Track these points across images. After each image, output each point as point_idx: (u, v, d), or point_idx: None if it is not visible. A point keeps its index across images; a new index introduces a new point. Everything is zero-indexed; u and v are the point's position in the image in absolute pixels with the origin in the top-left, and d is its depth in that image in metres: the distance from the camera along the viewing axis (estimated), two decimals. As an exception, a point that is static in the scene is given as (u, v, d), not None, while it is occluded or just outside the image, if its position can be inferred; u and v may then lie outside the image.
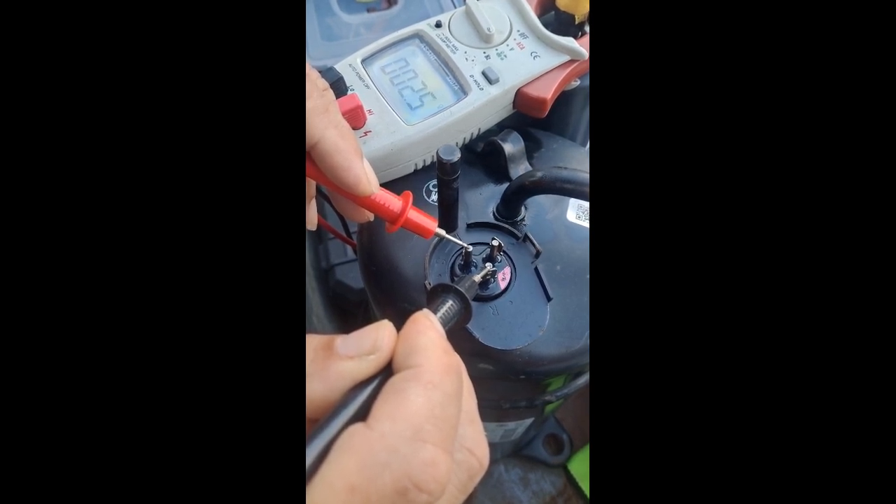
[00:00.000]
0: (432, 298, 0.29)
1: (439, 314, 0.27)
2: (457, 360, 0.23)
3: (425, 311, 0.25)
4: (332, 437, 0.20)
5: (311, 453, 0.19)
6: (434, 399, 0.21)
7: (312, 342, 0.22)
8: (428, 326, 0.23)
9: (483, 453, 0.23)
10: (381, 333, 0.23)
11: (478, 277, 0.33)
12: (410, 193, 0.33)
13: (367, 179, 0.31)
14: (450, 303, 0.28)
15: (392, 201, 0.32)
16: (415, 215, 0.33)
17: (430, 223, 0.33)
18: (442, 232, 0.34)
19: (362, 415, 0.21)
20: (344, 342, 0.22)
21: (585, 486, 0.81)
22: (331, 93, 0.31)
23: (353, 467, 0.19)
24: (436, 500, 0.20)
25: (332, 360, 0.22)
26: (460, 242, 0.35)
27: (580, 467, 0.82)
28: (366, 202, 0.32)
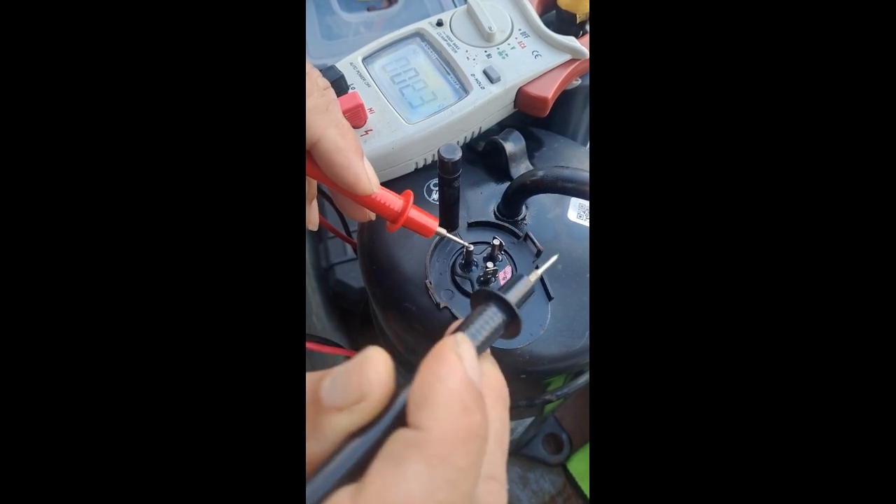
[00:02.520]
0: (473, 306, 0.23)
1: (479, 339, 0.22)
2: (479, 419, 0.18)
3: (458, 338, 0.20)
4: (322, 496, 0.17)
5: None
6: (438, 478, 0.17)
7: None
8: (451, 370, 0.19)
9: None
10: (366, 376, 0.19)
11: (533, 277, 0.25)
12: (411, 192, 0.33)
13: (367, 178, 0.31)
14: (492, 318, 0.22)
15: (393, 200, 0.32)
16: (416, 214, 0.33)
17: (431, 222, 0.33)
18: (443, 231, 0.34)
19: (361, 469, 0.18)
20: (330, 390, 0.19)
21: (585, 485, 0.81)
22: (331, 91, 0.31)
23: None
24: None
25: (322, 416, 0.18)
26: (461, 241, 0.35)
27: (579, 466, 0.82)
28: (366, 201, 0.32)
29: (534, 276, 0.25)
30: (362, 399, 0.18)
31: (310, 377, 0.19)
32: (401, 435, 0.18)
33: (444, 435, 0.18)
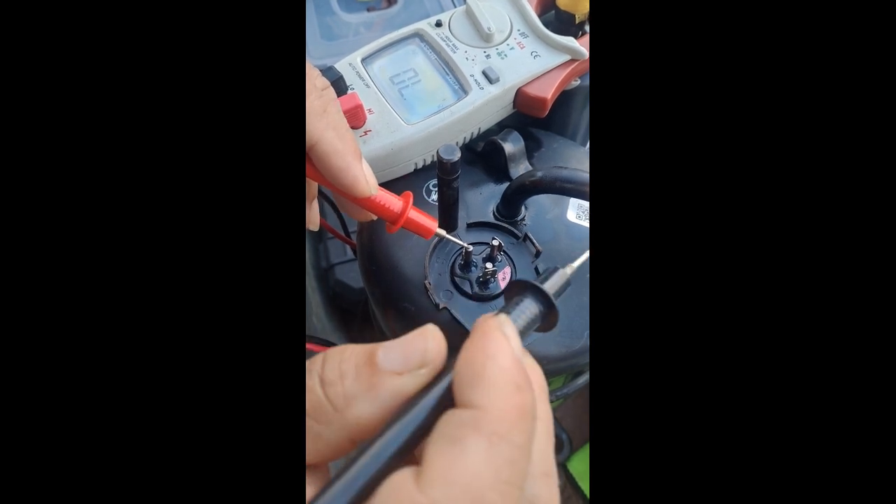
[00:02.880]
0: (510, 295, 0.23)
1: (519, 324, 0.21)
2: (530, 397, 0.19)
3: (502, 318, 0.21)
4: (374, 473, 0.17)
5: (347, 494, 0.17)
6: (499, 457, 0.17)
7: (351, 358, 0.20)
8: (500, 347, 0.19)
9: None
10: (429, 345, 0.20)
11: (569, 270, 0.24)
12: (411, 194, 0.33)
13: (365, 181, 0.31)
14: (528, 307, 0.22)
15: (392, 202, 0.32)
16: (415, 215, 0.33)
17: (431, 223, 0.33)
18: (442, 232, 0.34)
19: (412, 444, 0.18)
20: (387, 355, 0.19)
21: (585, 485, 0.81)
22: (331, 91, 0.31)
23: None
24: None
25: (379, 378, 0.19)
26: (460, 242, 0.35)
27: (580, 466, 0.82)
28: (365, 203, 0.32)
29: (569, 268, 0.24)
30: (423, 365, 0.19)
31: (360, 346, 0.20)
32: (454, 416, 0.18)
33: (502, 413, 0.17)
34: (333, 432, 0.19)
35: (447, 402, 0.19)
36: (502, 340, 0.19)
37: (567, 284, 0.23)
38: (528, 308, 0.22)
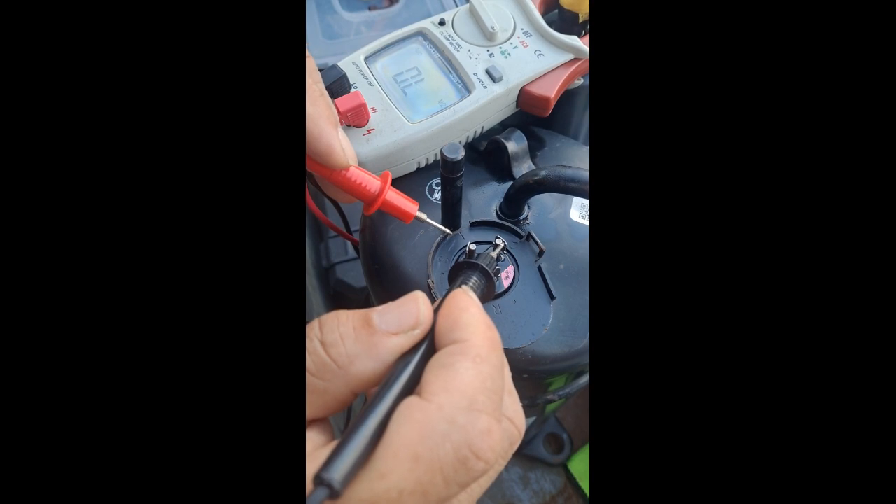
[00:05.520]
0: (455, 276, 0.29)
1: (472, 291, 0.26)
2: (497, 335, 0.23)
3: (464, 287, 0.26)
4: (389, 408, 0.20)
5: (371, 425, 0.20)
6: (483, 371, 0.21)
7: (348, 321, 0.22)
8: (470, 303, 0.24)
9: (521, 422, 0.24)
10: (420, 308, 0.23)
11: (494, 253, 0.31)
12: (389, 174, 0.32)
13: (341, 151, 0.29)
14: (474, 279, 0.28)
15: (369, 181, 0.31)
16: (394, 196, 0.32)
17: (411, 206, 0.32)
18: (422, 215, 0.33)
19: (412, 387, 0.21)
20: (383, 318, 0.22)
21: (585, 485, 0.81)
22: (309, 61, 0.30)
23: (415, 437, 0.19)
24: (490, 468, 0.20)
25: (377, 338, 0.22)
26: (440, 227, 0.35)
27: (580, 466, 0.82)
28: (340, 179, 0.31)
29: (494, 251, 0.31)
30: (417, 327, 0.23)
31: (353, 312, 0.23)
32: (446, 350, 0.22)
33: (481, 342, 0.22)
34: (338, 387, 0.22)
35: (434, 350, 0.23)
36: (470, 298, 0.24)
37: (495, 260, 0.31)
38: (473, 280, 0.28)
